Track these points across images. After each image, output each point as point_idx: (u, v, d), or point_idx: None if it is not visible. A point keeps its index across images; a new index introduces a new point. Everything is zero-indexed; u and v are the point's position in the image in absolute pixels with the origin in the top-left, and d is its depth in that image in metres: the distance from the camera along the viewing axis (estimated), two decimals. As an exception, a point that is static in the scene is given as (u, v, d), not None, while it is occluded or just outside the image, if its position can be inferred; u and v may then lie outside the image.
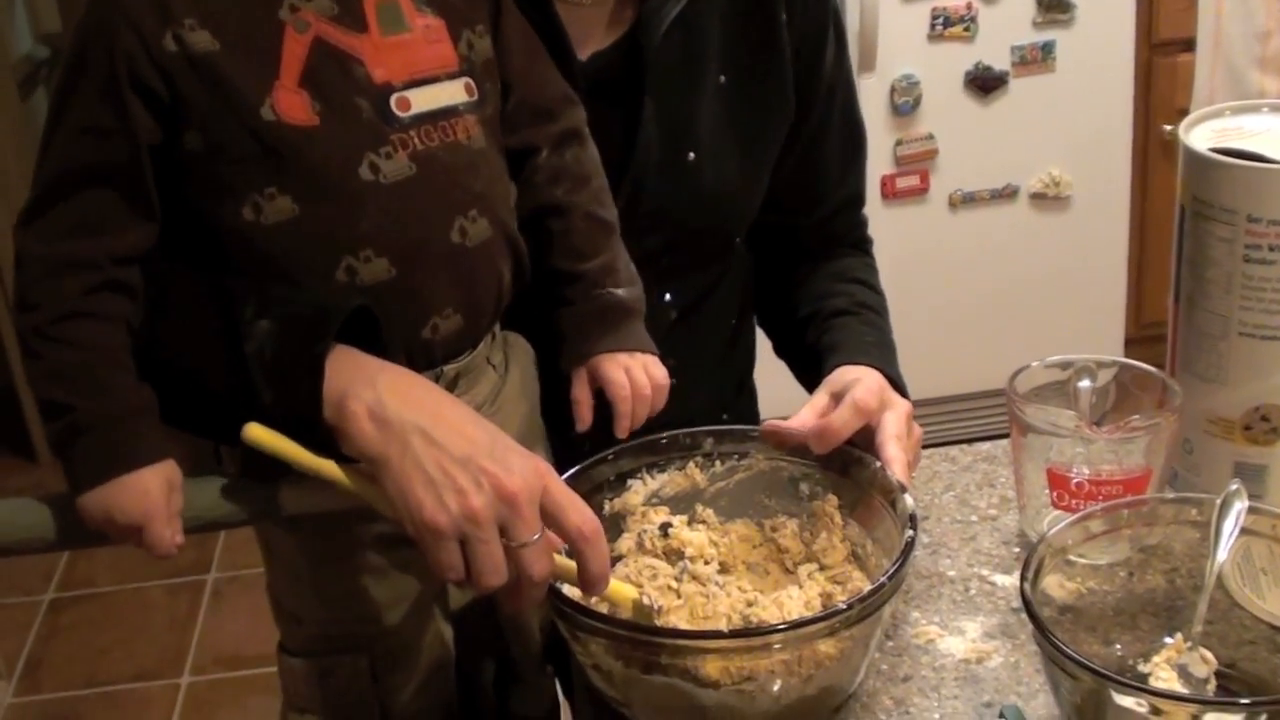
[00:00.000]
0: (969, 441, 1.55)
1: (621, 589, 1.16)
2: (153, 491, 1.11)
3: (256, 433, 1.10)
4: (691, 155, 1.43)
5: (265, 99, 1.12)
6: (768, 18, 1.44)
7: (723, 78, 1.44)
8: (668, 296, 1.48)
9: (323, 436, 1.10)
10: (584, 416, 1.28)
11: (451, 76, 1.20)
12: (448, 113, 1.19)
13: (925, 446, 1.38)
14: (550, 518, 1.07)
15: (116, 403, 1.12)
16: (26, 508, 1.20)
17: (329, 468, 1.10)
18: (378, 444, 1.07)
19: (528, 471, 1.07)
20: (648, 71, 1.39)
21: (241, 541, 3.38)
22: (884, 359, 1.42)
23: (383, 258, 1.16)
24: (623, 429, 1.27)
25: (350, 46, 1.15)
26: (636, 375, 1.27)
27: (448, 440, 1.06)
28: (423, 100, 1.18)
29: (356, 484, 1.11)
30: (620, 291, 1.30)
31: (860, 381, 1.31)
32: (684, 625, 1.15)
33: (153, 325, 1.16)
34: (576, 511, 1.08)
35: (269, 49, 1.13)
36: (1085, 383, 1.33)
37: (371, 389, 1.09)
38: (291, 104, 1.13)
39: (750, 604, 1.15)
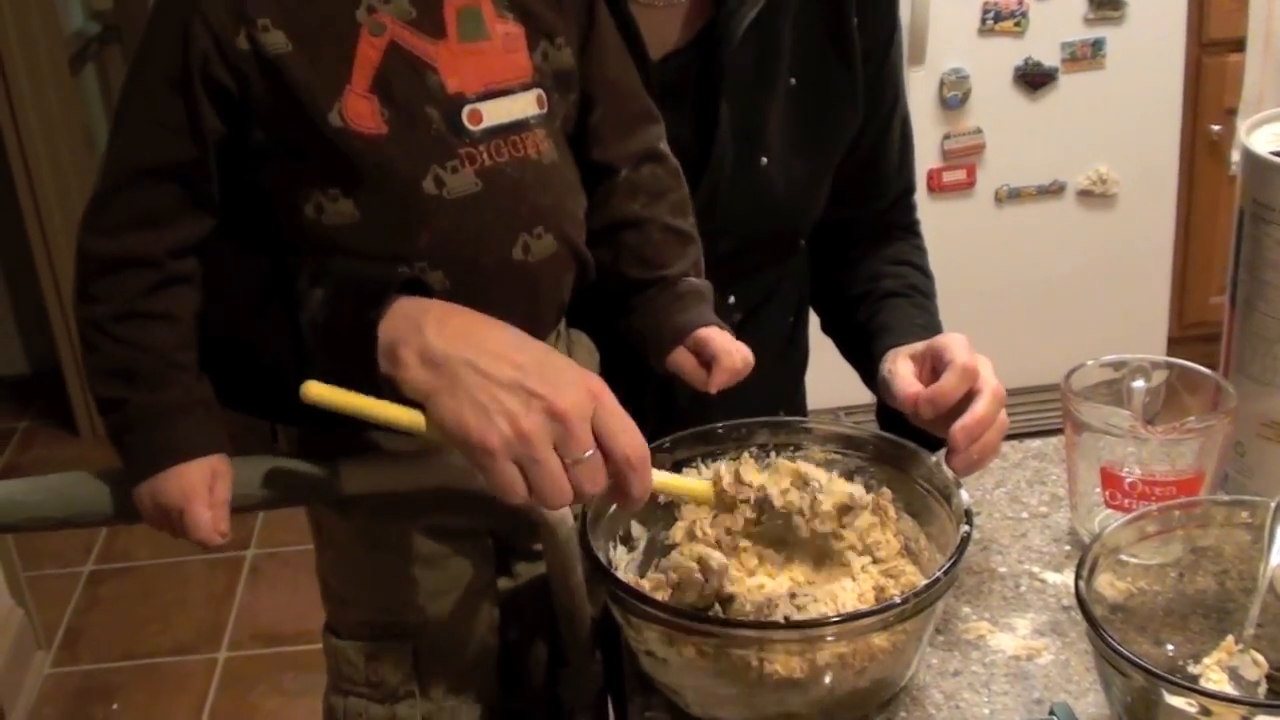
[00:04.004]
0: (1013, 437, 1.55)
1: (695, 486, 1.19)
2: (192, 477, 1.12)
3: (316, 390, 1.08)
4: (764, 159, 1.43)
5: (334, 104, 1.11)
6: (839, 21, 1.44)
7: (793, 80, 1.44)
8: (732, 298, 1.48)
9: (380, 391, 1.10)
10: (702, 378, 1.22)
11: (525, 87, 1.18)
12: (518, 127, 1.17)
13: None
14: (599, 439, 1.07)
15: (169, 397, 1.13)
16: (84, 482, 1.22)
17: (390, 410, 1.10)
18: (429, 382, 1.07)
19: (579, 390, 1.07)
20: (724, 76, 1.38)
21: (280, 519, 3.40)
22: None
23: (438, 271, 1.15)
24: (719, 383, 1.22)
25: (425, 53, 1.13)
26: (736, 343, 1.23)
27: (495, 368, 1.07)
28: (495, 113, 1.16)
29: (415, 422, 1.10)
30: (698, 280, 1.28)
31: (957, 346, 1.30)
32: (741, 591, 1.16)
33: (209, 299, 1.16)
34: (625, 435, 1.08)
35: (342, 52, 1.11)
36: (1139, 382, 1.33)
37: (418, 333, 1.08)
38: (360, 111, 1.11)
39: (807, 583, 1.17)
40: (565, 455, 1.06)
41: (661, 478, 1.16)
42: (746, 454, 1.24)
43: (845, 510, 1.19)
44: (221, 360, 1.17)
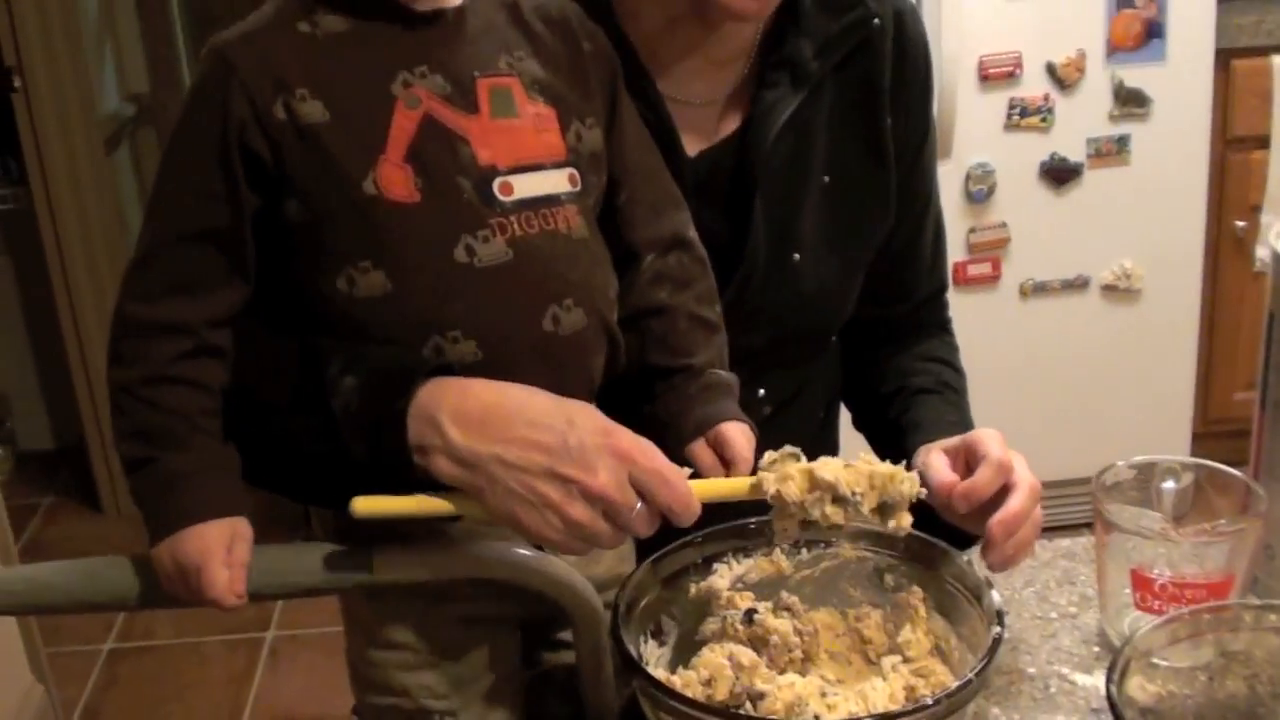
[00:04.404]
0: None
1: (737, 486, 1.20)
2: (211, 537, 1.13)
3: (363, 506, 1.11)
4: (796, 256, 1.44)
5: (369, 173, 1.13)
6: (873, 122, 1.46)
7: (826, 178, 1.45)
8: (762, 392, 1.48)
9: (421, 477, 1.12)
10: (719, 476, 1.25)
11: (557, 165, 1.20)
12: (549, 201, 1.19)
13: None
14: (641, 496, 1.11)
15: (192, 459, 1.14)
16: (114, 566, 1.23)
17: (434, 504, 1.13)
18: (466, 481, 1.11)
19: (608, 460, 1.10)
20: (759, 173, 1.40)
21: (301, 601, 3.39)
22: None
23: (470, 340, 1.16)
24: None
25: (458, 126, 1.16)
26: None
27: (524, 459, 1.10)
28: (525, 187, 1.18)
29: (457, 510, 1.14)
30: (724, 373, 1.30)
31: (991, 441, 1.30)
32: (772, 689, 1.16)
33: (243, 382, 1.18)
34: (664, 489, 1.12)
35: (378, 123, 1.14)
36: (1169, 484, 1.33)
37: (437, 433, 1.11)
38: (394, 179, 1.14)
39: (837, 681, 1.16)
40: (615, 519, 1.11)
41: (704, 491, 1.17)
42: (790, 465, 1.21)
43: (885, 509, 1.20)
44: (254, 442, 1.18)
